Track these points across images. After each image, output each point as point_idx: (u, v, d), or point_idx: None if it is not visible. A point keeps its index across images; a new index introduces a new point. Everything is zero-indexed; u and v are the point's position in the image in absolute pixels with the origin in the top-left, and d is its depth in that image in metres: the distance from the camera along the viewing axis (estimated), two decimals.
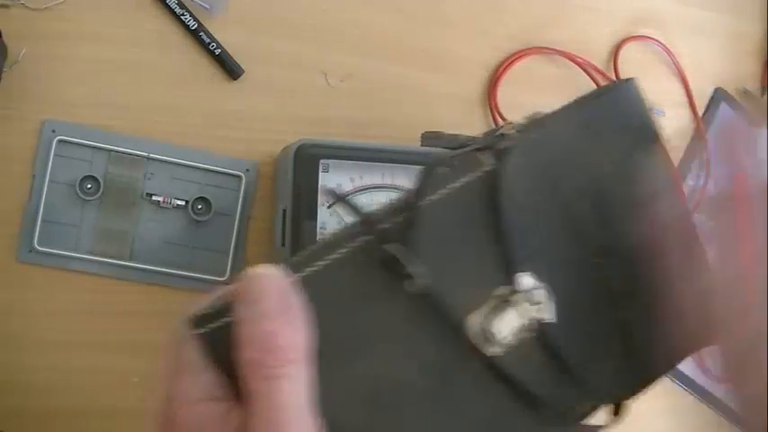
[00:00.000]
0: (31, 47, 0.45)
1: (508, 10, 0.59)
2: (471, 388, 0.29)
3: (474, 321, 0.29)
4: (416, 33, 0.55)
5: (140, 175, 0.47)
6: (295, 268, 0.27)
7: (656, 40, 0.64)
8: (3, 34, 0.43)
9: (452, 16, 0.57)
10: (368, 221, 0.28)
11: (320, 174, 0.44)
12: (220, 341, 0.26)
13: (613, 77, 0.62)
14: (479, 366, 0.29)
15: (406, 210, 0.28)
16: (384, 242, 0.28)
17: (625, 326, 0.32)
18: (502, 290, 0.29)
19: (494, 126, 0.57)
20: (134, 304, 0.47)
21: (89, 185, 0.45)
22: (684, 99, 0.66)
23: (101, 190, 0.46)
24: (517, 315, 0.29)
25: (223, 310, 0.26)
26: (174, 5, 0.47)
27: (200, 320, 0.27)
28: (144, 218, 0.47)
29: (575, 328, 0.31)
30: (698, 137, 0.67)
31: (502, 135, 0.32)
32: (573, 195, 0.32)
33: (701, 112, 0.67)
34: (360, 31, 0.53)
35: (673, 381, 0.64)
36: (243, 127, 0.50)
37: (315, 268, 0.28)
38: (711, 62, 0.68)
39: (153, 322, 0.47)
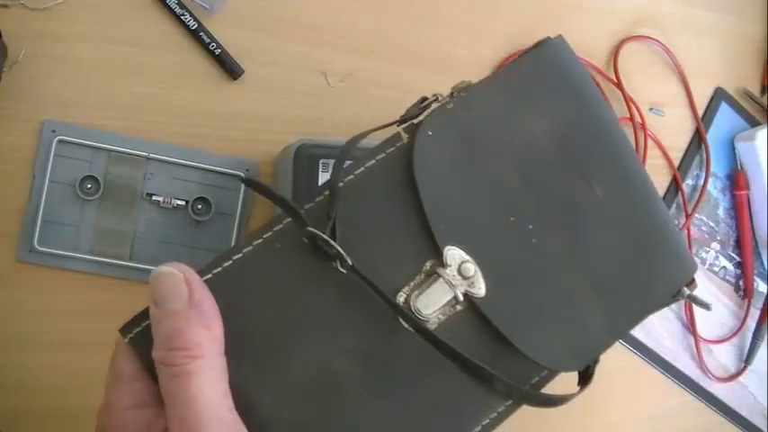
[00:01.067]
0: (31, 47, 0.45)
1: (507, 10, 0.59)
2: (411, 368, 0.28)
3: (402, 298, 0.29)
4: (416, 34, 0.55)
5: (140, 175, 0.47)
6: (210, 265, 0.27)
7: (656, 40, 0.64)
8: (3, 34, 0.43)
9: (452, 16, 0.57)
10: (287, 206, 0.28)
11: (320, 174, 0.44)
12: (144, 346, 0.26)
13: (613, 77, 0.62)
14: (416, 344, 0.28)
15: (326, 192, 0.28)
16: (305, 225, 0.27)
17: (565, 292, 0.31)
18: (429, 264, 0.29)
19: None
20: (134, 304, 0.46)
21: (89, 185, 0.45)
22: (684, 99, 0.66)
23: (101, 190, 0.46)
24: (443, 290, 0.28)
25: (144, 315, 0.27)
26: (174, 5, 0.47)
27: (126, 327, 0.27)
28: (144, 218, 0.47)
29: (510, 298, 0.30)
30: (698, 137, 0.67)
31: (424, 108, 0.31)
32: (502, 162, 0.31)
33: (700, 112, 0.67)
34: (360, 31, 0.53)
35: (673, 381, 0.64)
36: (243, 127, 0.50)
37: (233, 260, 0.27)
38: (711, 62, 0.68)
39: None
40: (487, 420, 0.29)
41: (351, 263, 0.27)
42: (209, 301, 0.26)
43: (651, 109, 0.64)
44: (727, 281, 0.68)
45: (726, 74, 0.69)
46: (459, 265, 0.29)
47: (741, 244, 0.68)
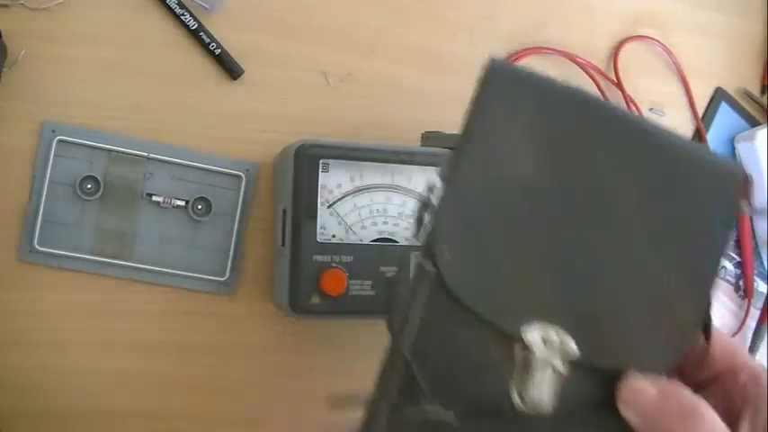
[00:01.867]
0: (31, 47, 0.45)
1: (508, 10, 0.59)
2: None
3: (514, 392, 0.29)
4: (416, 33, 0.55)
5: (140, 175, 0.47)
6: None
7: (656, 40, 0.64)
8: (3, 34, 0.43)
9: (452, 16, 0.57)
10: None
11: (320, 174, 0.44)
12: None
13: (613, 77, 0.62)
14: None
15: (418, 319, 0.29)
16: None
17: (642, 292, 0.30)
18: (518, 352, 0.29)
19: None
20: (134, 304, 0.47)
21: (89, 185, 0.45)
22: (684, 99, 0.66)
23: (101, 190, 0.46)
24: (544, 371, 0.29)
25: None
26: (174, 5, 0.47)
27: None
28: (144, 218, 0.47)
29: (600, 335, 0.29)
30: (698, 137, 0.67)
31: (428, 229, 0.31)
32: (514, 225, 0.30)
33: (701, 112, 0.67)
34: (360, 31, 0.53)
35: None
36: (243, 127, 0.50)
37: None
38: (711, 62, 0.68)
39: (153, 322, 0.47)
40: None
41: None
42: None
43: (651, 109, 0.64)
44: (727, 281, 0.68)
45: (726, 74, 0.69)
46: (543, 339, 0.29)
47: (741, 244, 0.68)
